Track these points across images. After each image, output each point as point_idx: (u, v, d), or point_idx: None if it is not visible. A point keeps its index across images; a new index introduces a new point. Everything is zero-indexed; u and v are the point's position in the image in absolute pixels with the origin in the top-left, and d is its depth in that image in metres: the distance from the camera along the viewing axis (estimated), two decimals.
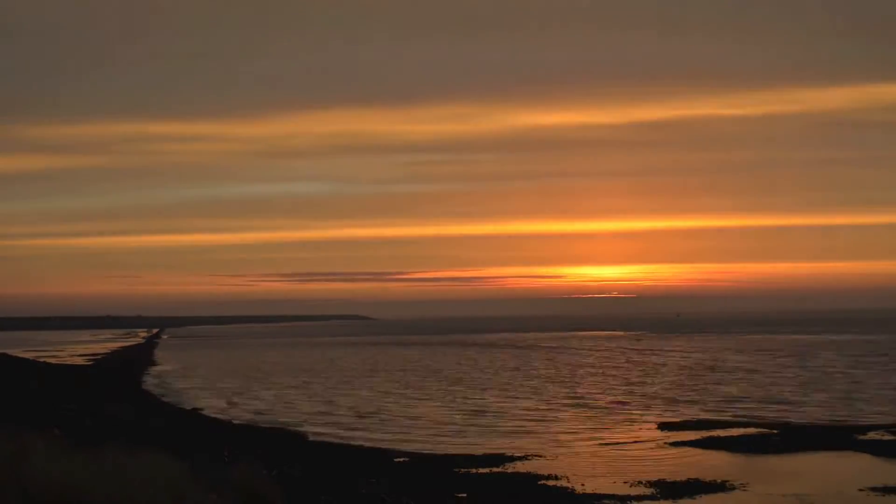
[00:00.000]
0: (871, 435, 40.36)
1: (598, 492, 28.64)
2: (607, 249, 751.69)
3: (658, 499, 27.71)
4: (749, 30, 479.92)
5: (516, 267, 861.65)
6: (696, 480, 30.30)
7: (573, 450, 37.92)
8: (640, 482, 30.18)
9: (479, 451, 37.64)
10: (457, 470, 32.51)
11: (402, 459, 35.40)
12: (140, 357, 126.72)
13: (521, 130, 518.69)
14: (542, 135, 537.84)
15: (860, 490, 28.66)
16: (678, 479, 30.60)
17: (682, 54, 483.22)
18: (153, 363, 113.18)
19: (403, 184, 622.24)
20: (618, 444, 39.69)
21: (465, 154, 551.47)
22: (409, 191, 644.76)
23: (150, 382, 79.88)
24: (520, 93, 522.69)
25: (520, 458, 35.37)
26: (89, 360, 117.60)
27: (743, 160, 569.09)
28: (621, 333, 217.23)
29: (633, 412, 51.60)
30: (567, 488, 29.18)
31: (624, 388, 67.32)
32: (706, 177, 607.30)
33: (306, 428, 46.35)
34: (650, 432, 43.03)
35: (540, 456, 36.10)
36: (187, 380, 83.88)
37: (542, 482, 30.17)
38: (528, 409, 53.82)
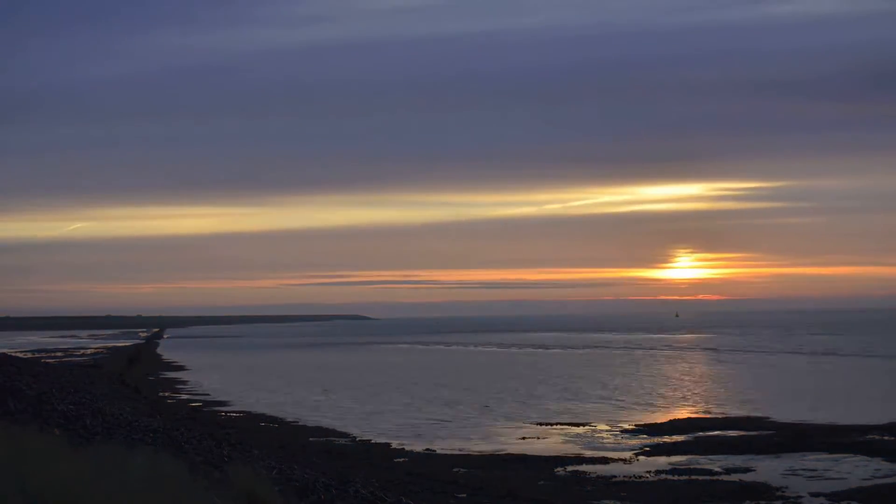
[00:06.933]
0: None
1: (598, 491, 28.68)
2: None
3: (659, 498, 27.76)
4: None
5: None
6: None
7: (579, 449, 37.92)
8: (644, 482, 30.23)
9: (478, 451, 37.69)
10: (456, 470, 32.54)
11: (401, 459, 35.45)
12: (141, 356, 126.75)
13: None
14: None
15: None
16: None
17: None
18: (154, 363, 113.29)
19: None
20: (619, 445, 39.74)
21: None
22: None
23: (150, 381, 79.90)
24: None
25: (519, 459, 35.38)
26: (90, 359, 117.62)
27: None
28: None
29: None
30: (567, 488, 29.20)
31: None
32: None
33: (306, 427, 46.47)
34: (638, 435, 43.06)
35: (540, 456, 36.10)
36: (187, 379, 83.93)
37: (542, 482, 30.21)
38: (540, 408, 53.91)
